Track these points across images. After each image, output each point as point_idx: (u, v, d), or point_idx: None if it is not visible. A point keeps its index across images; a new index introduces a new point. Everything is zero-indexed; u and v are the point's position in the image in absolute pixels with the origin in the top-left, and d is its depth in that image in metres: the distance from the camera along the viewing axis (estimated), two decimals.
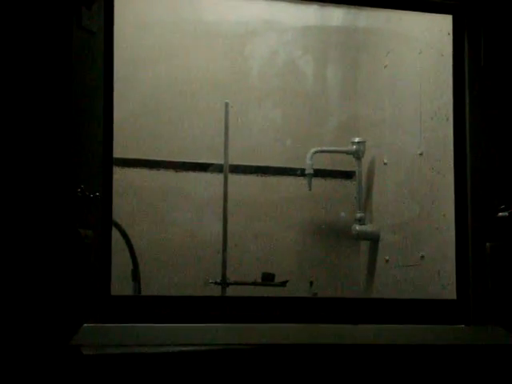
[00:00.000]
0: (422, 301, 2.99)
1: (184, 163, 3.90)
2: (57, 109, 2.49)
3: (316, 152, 3.94)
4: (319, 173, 4.01)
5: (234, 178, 3.84)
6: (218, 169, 3.83)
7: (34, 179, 2.46)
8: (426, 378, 2.70)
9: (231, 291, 3.68)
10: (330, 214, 4.07)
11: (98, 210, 2.55)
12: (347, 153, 4.01)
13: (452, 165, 2.96)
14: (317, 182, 3.99)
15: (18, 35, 2.48)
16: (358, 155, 4.00)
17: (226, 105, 3.79)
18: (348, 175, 4.09)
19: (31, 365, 2.42)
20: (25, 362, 2.41)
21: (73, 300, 2.47)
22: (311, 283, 3.98)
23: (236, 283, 3.71)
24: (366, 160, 4.01)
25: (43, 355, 2.42)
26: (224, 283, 3.69)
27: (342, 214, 4.07)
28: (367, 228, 3.95)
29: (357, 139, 3.99)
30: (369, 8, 3.59)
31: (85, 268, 2.49)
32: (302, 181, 3.96)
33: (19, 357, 2.41)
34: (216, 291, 3.66)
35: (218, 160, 3.82)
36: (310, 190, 3.94)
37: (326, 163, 4.04)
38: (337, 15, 3.98)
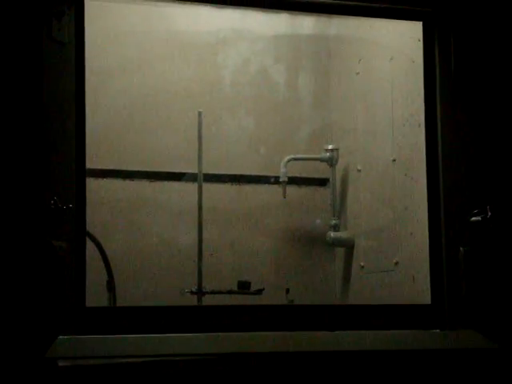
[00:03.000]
0: (397, 306, 3.00)
1: (158, 173, 3.89)
2: (28, 120, 2.49)
3: (290, 160, 3.95)
4: (293, 180, 4.01)
5: (208, 187, 3.83)
6: (192, 178, 3.82)
7: (5, 191, 2.45)
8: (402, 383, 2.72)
9: (207, 300, 3.67)
10: (305, 222, 4.07)
11: (71, 221, 2.54)
12: (321, 160, 4.02)
13: (425, 170, 2.97)
14: (291, 190, 4.00)
15: None
16: (331, 162, 4.01)
17: (199, 114, 3.79)
18: (322, 182, 4.10)
19: (7, 378, 2.40)
20: (0, 376, 2.40)
21: (48, 312, 2.46)
22: (287, 291, 3.97)
23: (212, 292, 3.70)
24: (339, 167, 4.02)
25: (19, 368, 2.41)
26: (200, 292, 3.68)
27: (317, 221, 4.08)
28: (342, 235, 3.96)
29: (330, 146, 4.00)
30: (340, 16, 3.60)
31: (59, 280, 2.48)
32: (277, 189, 3.97)
33: None
34: (192, 300, 3.65)
35: (192, 169, 3.82)
36: (284, 197, 3.94)
37: (300, 171, 4.05)
38: (308, 23, 3.99)
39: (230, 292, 3.72)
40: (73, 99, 2.59)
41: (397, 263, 3.47)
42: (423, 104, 2.98)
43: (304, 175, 4.09)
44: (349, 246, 3.94)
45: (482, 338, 2.80)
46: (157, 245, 3.82)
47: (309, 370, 2.65)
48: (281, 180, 3.94)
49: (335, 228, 3.97)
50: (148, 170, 3.88)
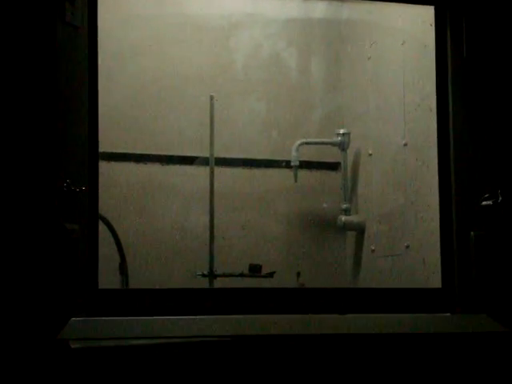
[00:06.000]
0: (408, 290, 3.01)
1: (170, 156, 3.90)
2: (42, 104, 2.50)
3: (301, 144, 3.95)
4: (305, 164, 4.02)
5: (220, 171, 3.84)
6: (204, 162, 3.83)
7: (19, 174, 2.46)
8: (413, 367, 2.72)
9: (219, 283, 3.69)
10: (316, 205, 4.08)
11: (84, 204, 2.56)
12: (332, 144, 4.03)
13: (436, 155, 2.97)
14: (302, 174, 4.00)
15: (1, 31, 2.48)
16: (343, 146, 4.01)
17: (211, 98, 3.79)
18: (333, 166, 4.10)
19: (19, 359, 2.42)
20: (13, 357, 2.42)
21: (60, 294, 2.47)
22: (298, 274, 3.99)
23: (223, 275, 3.72)
24: (351, 151, 4.02)
25: (31, 349, 2.43)
26: (211, 275, 3.70)
27: (328, 205, 4.09)
28: (353, 219, 3.97)
29: (342, 131, 4.00)
30: (352, 0, 3.60)
31: (72, 262, 2.50)
32: (288, 173, 3.97)
33: (7, 351, 2.42)
34: (204, 283, 3.67)
35: (203, 153, 3.83)
36: (295, 181, 3.95)
37: (311, 155, 4.05)
38: (320, 8, 3.98)
39: (241, 275, 3.74)
40: (86, 82, 2.59)
41: (407, 247, 3.47)
42: (435, 88, 2.97)
43: (315, 159, 4.10)
44: (360, 230, 3.95)
45: (493, 321, 2.80)
46: (169, 228, 3.84)
47: (319, 352, 2.66)
48: (292, 164, 3.94)
49: (346, 212, 3.98)
50: (160, 153, 3.89)
